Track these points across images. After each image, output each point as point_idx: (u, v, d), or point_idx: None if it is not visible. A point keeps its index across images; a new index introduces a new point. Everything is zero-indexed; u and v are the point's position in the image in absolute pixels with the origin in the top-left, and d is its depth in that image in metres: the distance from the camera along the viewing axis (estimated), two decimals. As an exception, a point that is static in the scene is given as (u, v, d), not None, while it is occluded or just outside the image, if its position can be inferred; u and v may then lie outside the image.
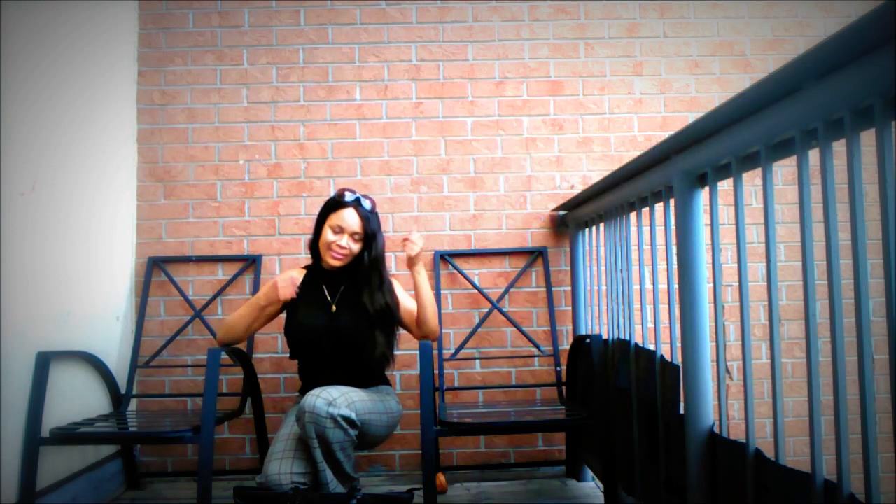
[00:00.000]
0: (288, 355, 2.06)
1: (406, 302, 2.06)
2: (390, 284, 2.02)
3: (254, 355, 2.45)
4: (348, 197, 1.96)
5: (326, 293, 1.99)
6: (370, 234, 1.95)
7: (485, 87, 2.63)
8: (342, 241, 1.93)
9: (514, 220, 2.59)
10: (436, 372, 2.31)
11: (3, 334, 1.74)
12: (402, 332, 2.07)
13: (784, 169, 2.51)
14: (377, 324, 1.94)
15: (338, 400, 1.70)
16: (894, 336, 0.78)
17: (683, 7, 2.67)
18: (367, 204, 1.98)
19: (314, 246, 2.02)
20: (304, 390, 2.01)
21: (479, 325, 2.51)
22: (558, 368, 2.42)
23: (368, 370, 1.99)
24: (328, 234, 1.94)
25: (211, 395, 1.83)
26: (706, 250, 1.35)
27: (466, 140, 2.61)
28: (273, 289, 1.93)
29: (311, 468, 1.73)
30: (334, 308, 1.96)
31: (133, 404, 2.43)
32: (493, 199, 2.59)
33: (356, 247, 1.95)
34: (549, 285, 2.52)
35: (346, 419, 1.69)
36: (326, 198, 2.06)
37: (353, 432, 1.72)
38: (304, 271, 2.06)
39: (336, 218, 1.94)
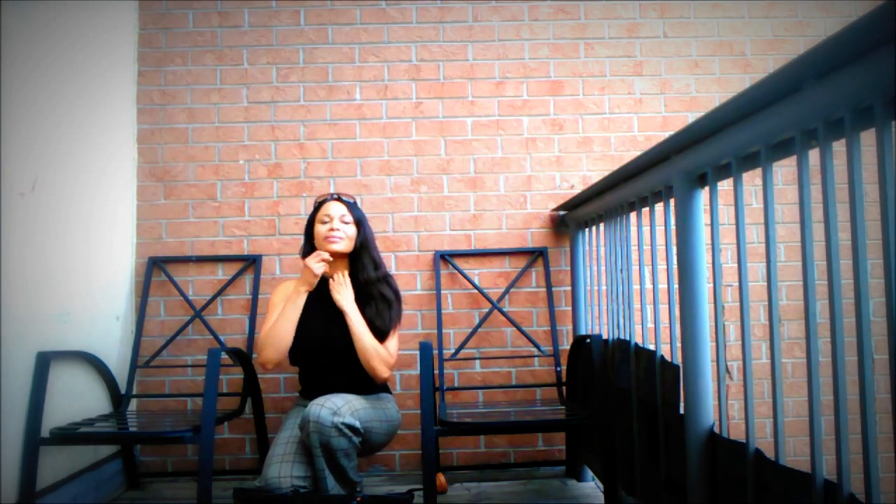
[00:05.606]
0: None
1: None
2: (388, 275, 2.03)
3: (254, 355, 2.45)
4: (328, 195, 2.04)
5: (324, 299, 1.98)
6: (357, 219, 2.00)
7: (485, 87, 2.63)
8: (334, 225, 1.96)
9: (514, 220, 2.59)
10: (436, 372, 2.31)
11: (3, 334, 1.74)
12: (400, 332, 2.07)
13: (784, 169, 2.51)
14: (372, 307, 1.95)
15: (342, 409, 1.71)
16: (894, 336, 0.78)
17: (683, 7, 2.67)
18: (347, 199, 2.04)
19: (309, 252, 2.02)
20: (304, 393, 2.01)
21: (479, 325, 2.51)
22: (558, 368, 2.42)
23: (369, 376, 1.98)
24: (319, 228, 1.98)
25: (211, 395, 1.83)
26: (706, 250, 1.35)
27: (466, 140, 2.61)
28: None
29: (312, 472, 1.73)
30: (331, 314, 1.95)
31: (133, 404, 2.42)
32: (493, 199, 2.59)
33: (350, 229, 1.98)
34: (549, 285, 2.52)
35: (351, 427, 1.70)
36: (327, 198, 2.07)
37: (356, 439, 1.74)
38: None
39: (321, 213, 1.99)
